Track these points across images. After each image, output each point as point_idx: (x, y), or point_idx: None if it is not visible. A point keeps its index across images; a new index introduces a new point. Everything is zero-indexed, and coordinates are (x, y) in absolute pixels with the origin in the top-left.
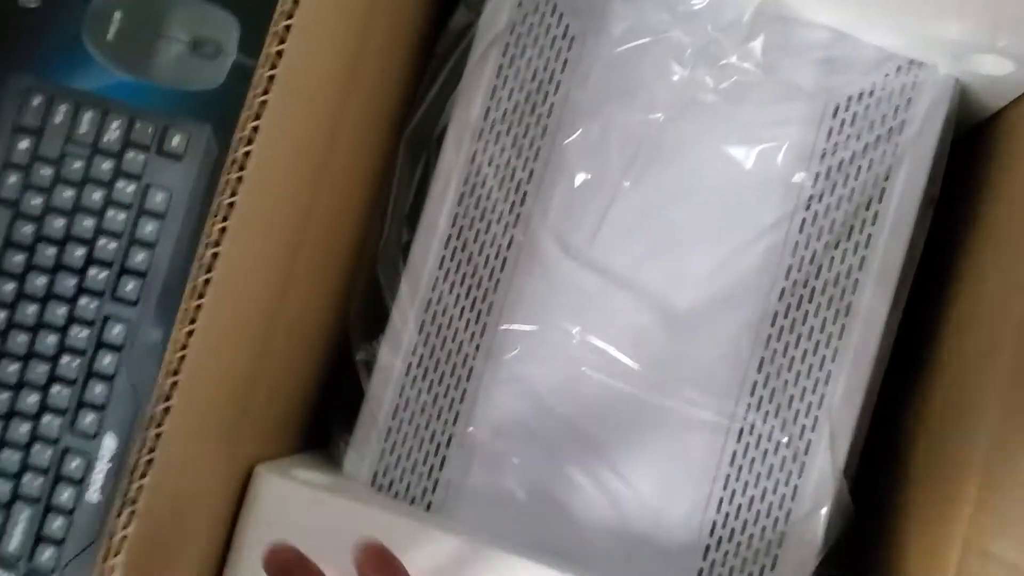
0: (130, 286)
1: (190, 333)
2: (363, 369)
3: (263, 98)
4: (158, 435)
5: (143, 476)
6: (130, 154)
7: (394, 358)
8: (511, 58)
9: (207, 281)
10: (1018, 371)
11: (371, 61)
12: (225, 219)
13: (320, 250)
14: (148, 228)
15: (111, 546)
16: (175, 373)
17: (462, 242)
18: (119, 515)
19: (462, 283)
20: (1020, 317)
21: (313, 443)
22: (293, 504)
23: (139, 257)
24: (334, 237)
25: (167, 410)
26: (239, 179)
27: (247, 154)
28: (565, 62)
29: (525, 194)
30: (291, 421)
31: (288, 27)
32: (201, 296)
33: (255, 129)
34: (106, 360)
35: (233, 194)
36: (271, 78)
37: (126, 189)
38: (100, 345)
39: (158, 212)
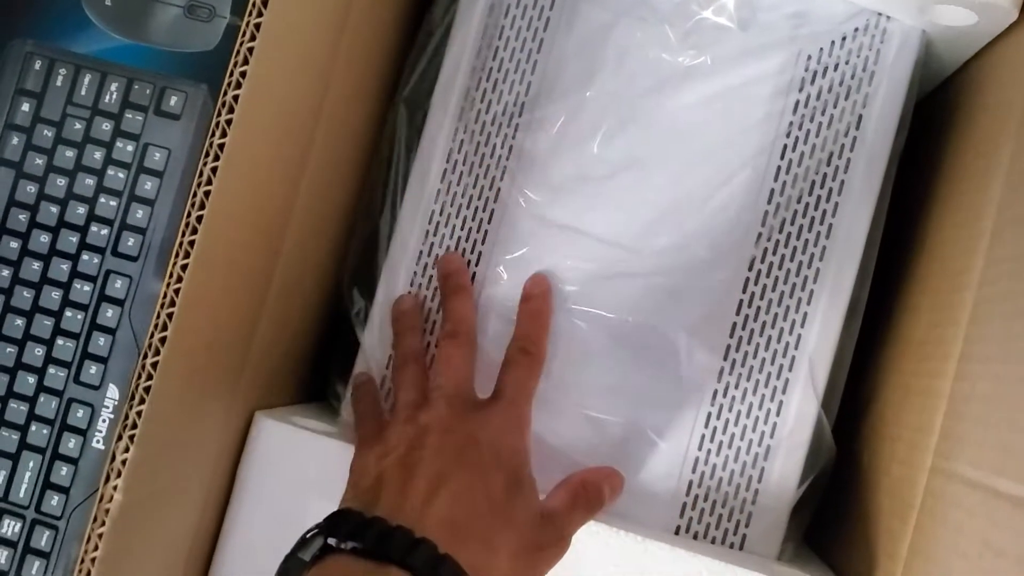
0: (131, 242)
1: (177, 291)
2: (358, 322)
3: (250, 44)
4: (147, 388)
5: (135, 426)
6: (129, 115)
7: (386, 310)
8: (495, 18)
9: (192, 242)
10: (979, 310)
11: (359, 20)
12: (210, 182)
13: (314, 206)
14: (147, 186)
15: (106, 491)
16: (164, 328)
17: (451, 197)
18: (113, 459)
19: (452, 236)
20: (982, 261)
21: (311, 397)
22: (292, 448)
23: (139, 214)
24: (327, 192)
25: (155, 365)
26: (228, 123)
27: (236, 98)
28: (547, 21)
29: (511, 150)
30: (289, 374)
31: None
32: (187, 256)
33: (243, 75)
34: (108, 313)
35: (220, 151)
36: (257, 26)
37: (125, 148)
38: (102, 299)
39: (157, 170)
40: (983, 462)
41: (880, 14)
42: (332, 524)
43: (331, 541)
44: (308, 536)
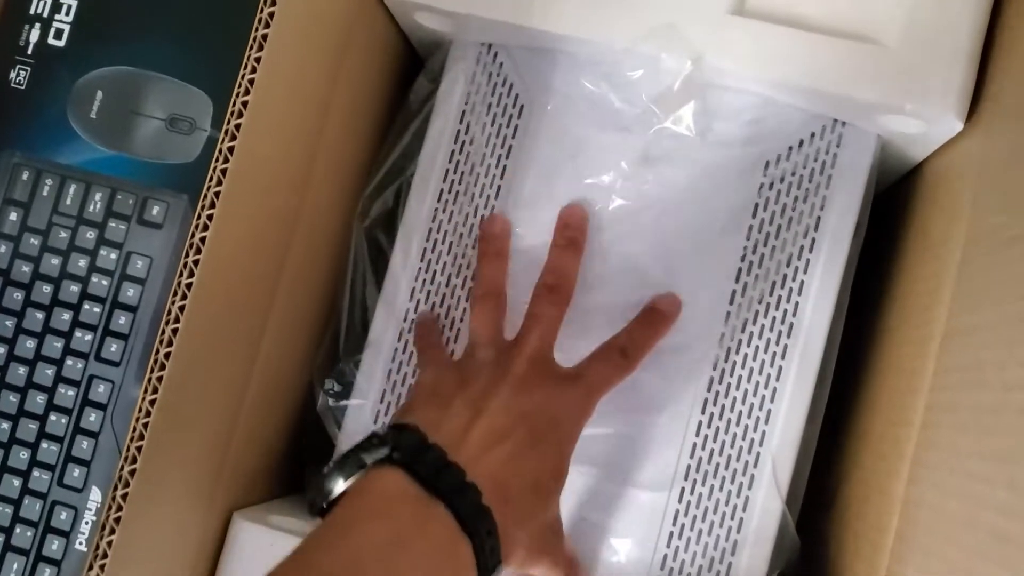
0: (113, 347)
1: (152, 402)
2: (328, 418)
3: (224, 166)
4: (125, 495)
5: (112, 532)
6: (112, 224)
7: (363, 406)
8: (467, 125)
9: (168, 354)
10: (929, 416)
11: (335, 132)
12: (184, 298)
13: (290, 312)
14: (130, 292)
15: None
16: (141, 437)
17: (425, 293)
18: (91, 567)
19: None
20: (932, 365)
21: (288, 490)
22: (270, 549)
23: (121, 320)
24: (303, 300)
25: (133, 472)
26: (203, 241)
27: (210, 217)
28: (516, 128)
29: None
30: (266, 472)
31: (246, 103)
32: (163, 368)
33: (217, 195)
34: (91, 417)
35: (195, 267)
36: (231, 149)
37: (109, 256)
38: (86, 403)
39: (139, 278)
40: (930, 573)
41: (836, 120)
42: (397, 437)
43: (395, 455)
44: (375, 441)
